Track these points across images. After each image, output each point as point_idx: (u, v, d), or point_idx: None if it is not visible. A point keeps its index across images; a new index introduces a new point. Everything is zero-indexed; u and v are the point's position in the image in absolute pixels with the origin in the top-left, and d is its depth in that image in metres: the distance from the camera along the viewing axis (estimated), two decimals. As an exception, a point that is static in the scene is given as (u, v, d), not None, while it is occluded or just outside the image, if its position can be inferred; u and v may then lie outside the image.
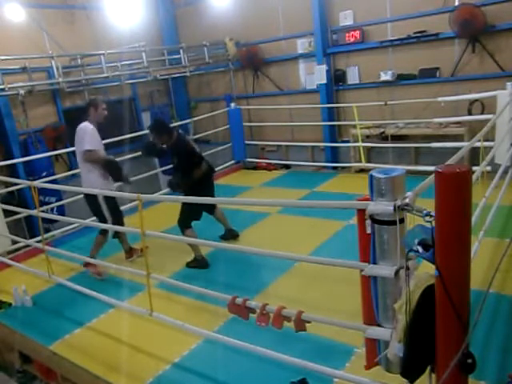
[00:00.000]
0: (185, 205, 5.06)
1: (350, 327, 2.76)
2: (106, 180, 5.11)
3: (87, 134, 5.00)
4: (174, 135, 5.14)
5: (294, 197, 6.87)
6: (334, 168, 8.53)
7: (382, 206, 2.13)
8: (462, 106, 7.04)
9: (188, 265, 5.09)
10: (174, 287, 4.03)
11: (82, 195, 5.77)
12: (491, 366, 2.96)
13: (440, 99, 6.78)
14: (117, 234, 5.31)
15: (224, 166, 9.25)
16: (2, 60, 6.89)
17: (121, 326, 4.07)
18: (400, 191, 2.15)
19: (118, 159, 5.44)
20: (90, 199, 5.03)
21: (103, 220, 5.05)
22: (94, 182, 5.00)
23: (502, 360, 3.05)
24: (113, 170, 5.15)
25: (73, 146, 5.38)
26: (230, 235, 5.63)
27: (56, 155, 7.90)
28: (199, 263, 5.02)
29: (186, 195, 4.91)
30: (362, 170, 7.74)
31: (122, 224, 5.16)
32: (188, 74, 9.40)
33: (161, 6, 10.24)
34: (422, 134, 7.42)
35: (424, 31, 7.28)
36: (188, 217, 5.07)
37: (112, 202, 5.05)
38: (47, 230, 6.34)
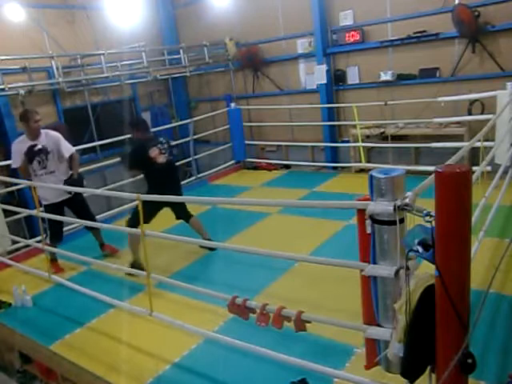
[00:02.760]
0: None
1: (349, 327, 2.76)
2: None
3: (12, 151, 5.15)
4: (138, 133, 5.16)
5: (293, 197, 6.87)
6: (334, 168, 8.53)
7: (382, 206, 2.13)
8: (462, 106, 7.04)
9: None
10: (174, 287, 4.03)
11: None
12: (491, 366, 2.96)
13: (440, 99, 6.78)
14: (92, 230, 5.59)
15: (224, 166, 9.27)
16: (2, 60, 6.89)
17: (121, 326, 4.06)
18: (400, 191, 2.15)
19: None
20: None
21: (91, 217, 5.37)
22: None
23: (502, 360, 3.05)
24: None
25: (73, 145, 5.40)
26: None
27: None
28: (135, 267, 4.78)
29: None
30: (361, 170, 7.75)
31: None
32: (188, 73, 9.40)
33: (161, 6, 10.24)
34: (422, 133, 7.42)
35: (424, 31, 7.28)
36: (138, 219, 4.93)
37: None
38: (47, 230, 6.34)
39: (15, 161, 5.11)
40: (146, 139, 5.11)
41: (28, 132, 5.08)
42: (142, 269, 4.76)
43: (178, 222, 6.04)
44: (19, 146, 5.09)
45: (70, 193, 5.15)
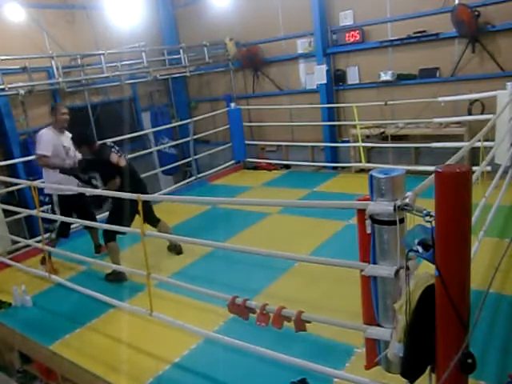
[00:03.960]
0: (113, 214, 4.93)
1: (350, 327, 2.75)
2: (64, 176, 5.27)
3: (42, 139, 5.20)
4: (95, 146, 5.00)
5: (293, 197, 6.87)
6: (334, 168, 8.53)
7: (382, 206, 2.13)
8: (462, 106, 7.04)
9: (106, 277, 4.94)
10: (174, 287, 4.03)
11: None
12: (491, 366, 2.96)
13: (440, 99, 6.77)
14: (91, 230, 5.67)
15: (224, 166, 9.27)
16: (2, 60, 6.88)
17: (121, 326, 4.07)
18: (400, 191, 2.15)
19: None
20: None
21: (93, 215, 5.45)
22: (50, 177, 5.27)
23: (502, 360, 3.05)
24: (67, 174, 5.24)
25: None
26: (175, 250, 5.40)
27: (56, 155, 7.90)
28: (117, 276, 4.83)
29: (113, 209, 4.94)
30: (361, 170, 7.75)
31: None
32: (188, 73, 9.40)
33: (161, 6, 10.24)
34: (422, 133, 7.42)
35: (424, 31, 7.28)
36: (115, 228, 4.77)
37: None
38: (47, 230, 6.34)
39: (47, 149, 5.16)
40: (101, 148, 5.00)
41: (55, 124, 5.31)
42: (123, 278, 4.83)
43: (178, 222, 6.06)
44: (49, 135, 5.24)
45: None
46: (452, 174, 1.86)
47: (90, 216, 5.38)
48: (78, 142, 5.01)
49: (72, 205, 5.32)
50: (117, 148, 5.05)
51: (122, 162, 4.93)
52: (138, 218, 3.60)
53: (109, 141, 5.20)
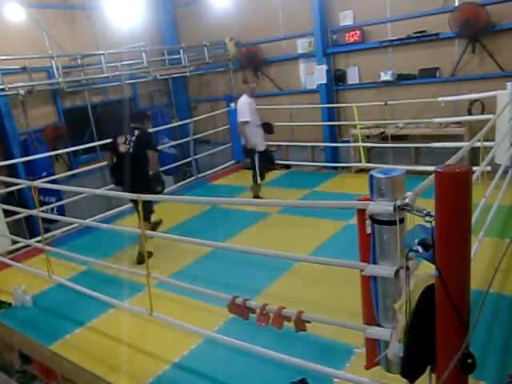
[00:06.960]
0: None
1: (350, 327, 2.75)
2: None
3: (246, 106, 6.45)
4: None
5: (293, 197, 6.87)
6: (334, 168, 8.53)
7: (382, 206, 2.13)
8: (462, 106, 7.05)
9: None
10: (174, 287, 4.03)
11: (81, 195, 5.91)
12: (491, 366, 2.96)
13: (440, 99, 6.77)
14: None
15: (224, 166, 9.26)
16: (2, 60, 6.89)
17: (121, 326, 4.07)
18: (400, 191, 2.15)
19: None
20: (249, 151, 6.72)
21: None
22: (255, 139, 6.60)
23: (502, 360, 3.05)
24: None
25: (73, 145, 5.43)
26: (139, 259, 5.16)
27: (56, 155, 7.91)
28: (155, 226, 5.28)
29: None
30: (361, 170, 7.74)
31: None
32: (188, 73, 9.41)
33: (161, 6, 10.25)
34: (422, 133, 7.42)
35: (424, 31, 7.28)
36: None
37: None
38: (47, 230, 6.34)
39: (245, 115, 6.40)
40: (130, 127, 5.40)
41: (249, 93, 6.66)
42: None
43: (178, 222, 6.06)
44: (248, 103, 6.48)
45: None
46: (452, 173, 1.86)
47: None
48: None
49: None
50: (132, 139, 5.30)
51: (120, 148, 5.29)
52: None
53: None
